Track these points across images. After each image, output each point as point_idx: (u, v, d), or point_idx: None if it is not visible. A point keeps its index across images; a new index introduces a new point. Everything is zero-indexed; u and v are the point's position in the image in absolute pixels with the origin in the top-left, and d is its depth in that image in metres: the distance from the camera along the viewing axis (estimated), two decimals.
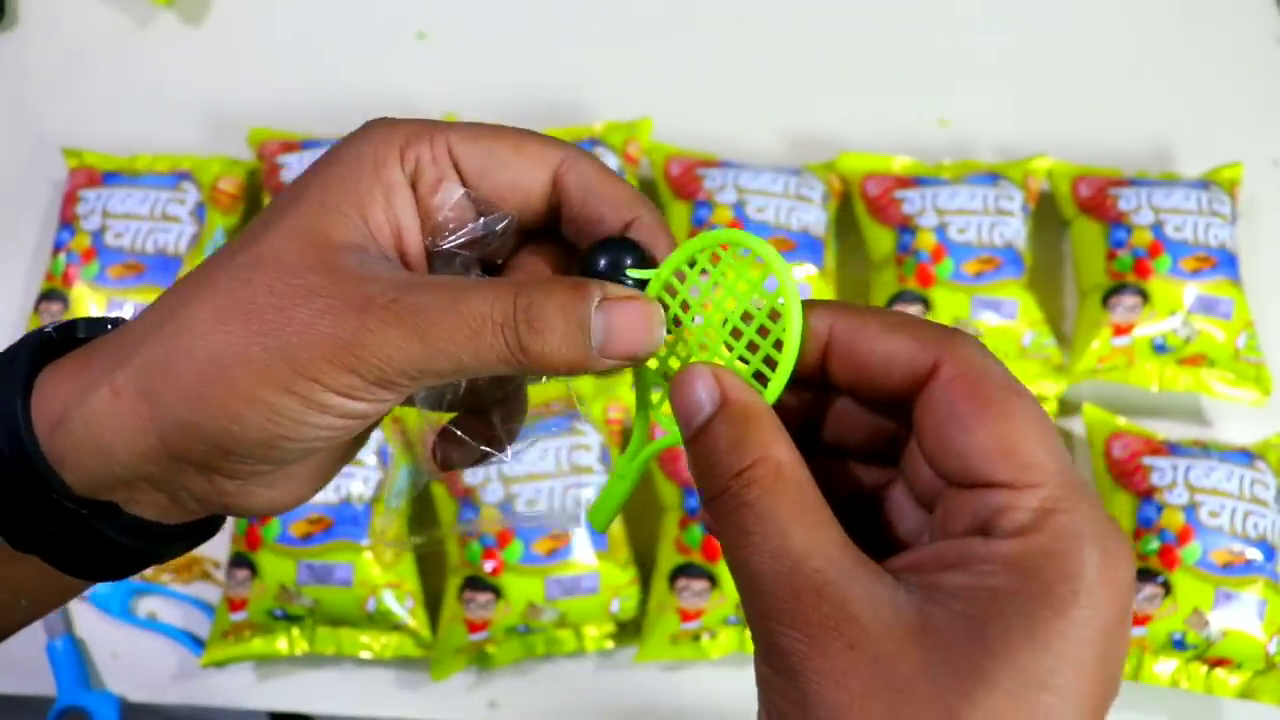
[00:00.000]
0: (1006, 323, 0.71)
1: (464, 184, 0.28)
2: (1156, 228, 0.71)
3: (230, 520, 0.36)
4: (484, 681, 0.67)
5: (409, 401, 0.29)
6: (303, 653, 0.66)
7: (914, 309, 0.71)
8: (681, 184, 0.74)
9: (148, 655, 0.68)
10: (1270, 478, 0.66)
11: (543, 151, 0.28)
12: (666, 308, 0.27)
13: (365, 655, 0.65)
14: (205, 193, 0.75)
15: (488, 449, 0.30)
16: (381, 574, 0.65)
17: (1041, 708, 0.21)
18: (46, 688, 0.66)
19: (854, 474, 0.28)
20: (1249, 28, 0.86)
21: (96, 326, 0.29)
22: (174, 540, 0.29)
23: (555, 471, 0.65)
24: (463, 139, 0.28)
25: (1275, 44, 0.85)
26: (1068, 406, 0.73)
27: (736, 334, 0.27)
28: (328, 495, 0.65)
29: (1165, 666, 0.64)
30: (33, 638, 0.67)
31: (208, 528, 0.31)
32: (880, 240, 0.74)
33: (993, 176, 0.74)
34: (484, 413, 0.30)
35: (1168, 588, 0.63)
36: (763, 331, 0.26)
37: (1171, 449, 0.67)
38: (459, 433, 0.30)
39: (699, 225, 0.72)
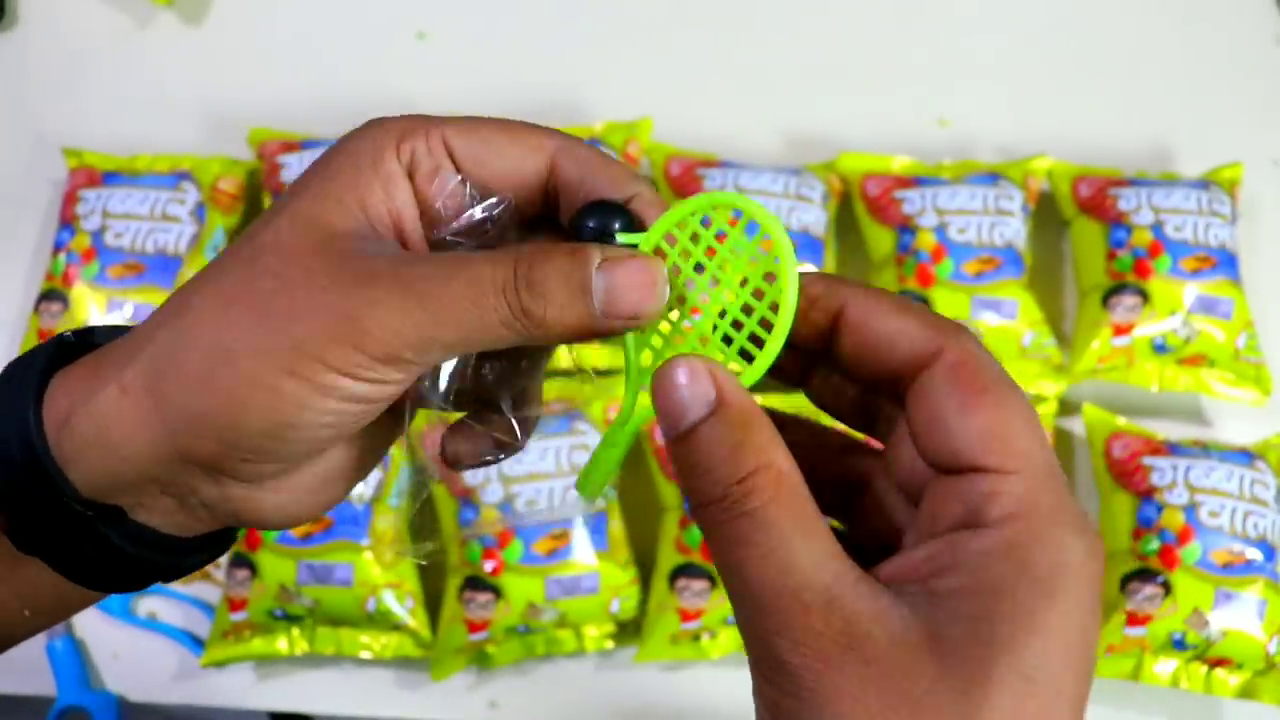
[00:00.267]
0: (1006, 323, 0.71)
1: (460, 172, 0.28)
2: (1156, 228, 0.71)
3: None
4: (484, 681, 0.67)
5: (420, 402, 0.29)
6: (303, 653, 0.66)
7: None
8: (682, 184, 0.74)
9: (148, 655, 0.68)
10: (1270, 478, 0.66)
11: (538, 138, 0.28)
12: None
13: (365, 655, 0.66)
14: (205, 193, 0.75)
15: (501, 437, 0.30)
16: (381, 574, 0.65)
17: (1050, 695, 0.21)
18: (46, 688, 0.66)
19: (832, 464, 0.28)
20: (1249, 28, 0.86)
21: (114, 333, 0.29)
22: (182, 553, 0.29)
23: (555, 471, 0.65)
24: (457, 131, 0.28)
25: (1275, 44, 0.85)
26: (1068, 406, 0.73)
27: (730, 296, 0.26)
28: None
29: (1165, 666, 0.64)
30: (33, 637, 0.67)
31: (218, 543, 0.30)
32: (880, 240, 0.74)
33: (993, 176, 0.74)
34: (494, 405, 0.30)
35: (1168, 588, 0.63)
36: (758, 294, 0.26)
37: (1171, 449, 0.67)
38: (471, 424, 0.30)
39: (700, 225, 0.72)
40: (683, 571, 0.65)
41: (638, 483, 0.69)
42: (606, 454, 0.28)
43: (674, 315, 0.27)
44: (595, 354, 0.69)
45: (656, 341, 0.28)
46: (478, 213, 0.28)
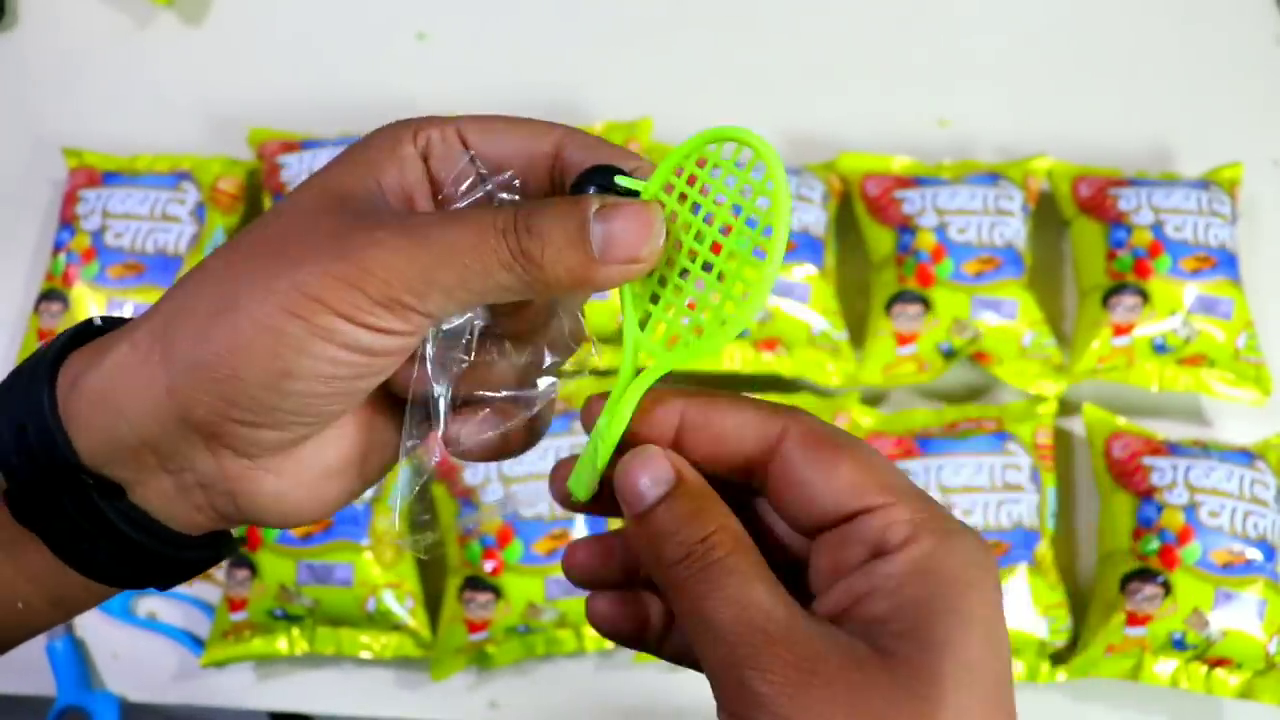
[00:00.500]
0: (1006, 323, 0.71)
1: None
2: (1156, 228, 0.71)
3: None
4: (484, 681, 0.67)
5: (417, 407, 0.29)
6: (303, 653, 0.66)
7: (914, 309, 0.71)
8: None
9: (148, 655, 0.68)
10: (1270, 478, 0.66)
11: (545, 127, 0.30)
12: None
13: (365, 655, 0.65)
14: (205, 193, 0.75)
15: (511, 430, 0.30)
16: (381, 574, 0.65)
17: (989, 676, 0.24)
18: (46, 688, 0.66)
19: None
20: (1249, 28, 0.86)
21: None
22: (178, 545, 0.29)
23: None
24: (471, 124, 0.29)
25: (1275, 44, 0.85)
26: (1068, 406, 0.73)
27: (727, 231, 0.27)
28: None
29: (1165, 666, 0.64)
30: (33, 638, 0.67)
31: (216, 545, 0.31)
32: (880, 240, 0.74)
33: (993, 176, 0.74)
34: (498, 397, 0.31)
35: (1168, 588, 0.63)
36: (752, 222, 0.27)
37: (1171, 449, 0.67)
38: (478, 412, 0.30)
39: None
40: None
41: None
42: (609, 428, 0.28)
43: (670, 267, 0.28)
44: (595, 358, 0.69)
45: (651, 305, 0.28)
46: (485, 185, 0.29)
